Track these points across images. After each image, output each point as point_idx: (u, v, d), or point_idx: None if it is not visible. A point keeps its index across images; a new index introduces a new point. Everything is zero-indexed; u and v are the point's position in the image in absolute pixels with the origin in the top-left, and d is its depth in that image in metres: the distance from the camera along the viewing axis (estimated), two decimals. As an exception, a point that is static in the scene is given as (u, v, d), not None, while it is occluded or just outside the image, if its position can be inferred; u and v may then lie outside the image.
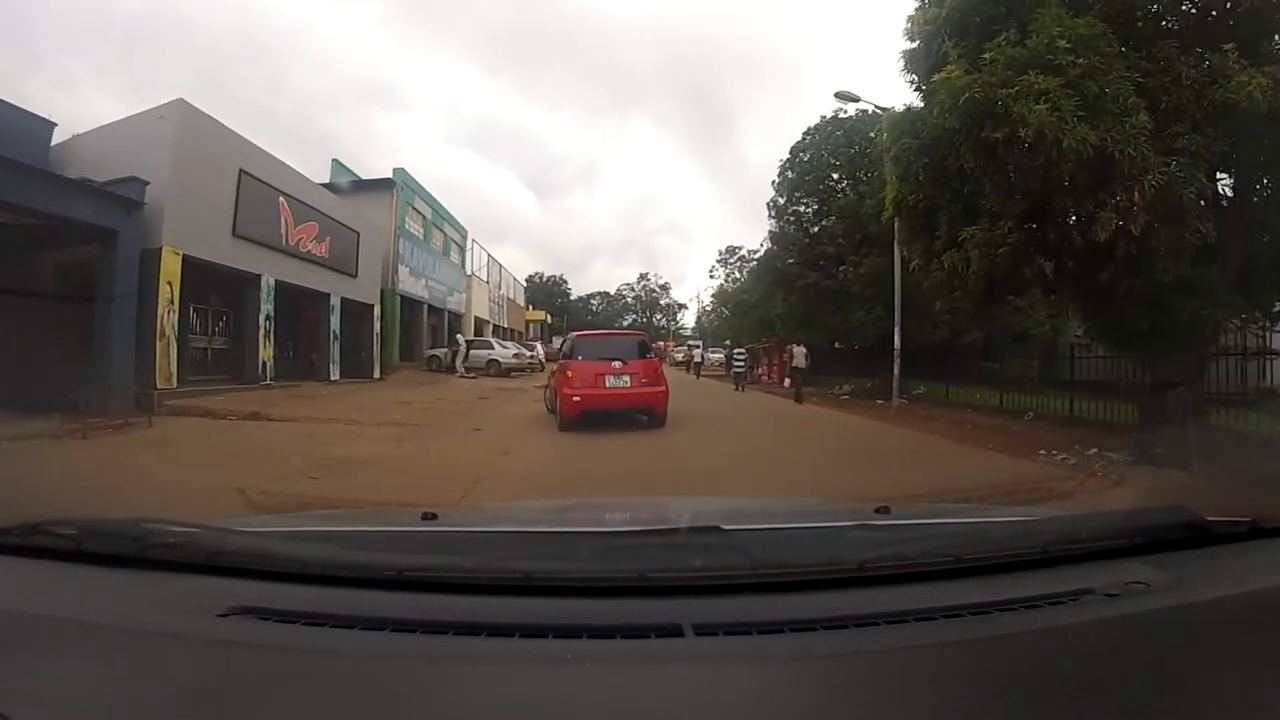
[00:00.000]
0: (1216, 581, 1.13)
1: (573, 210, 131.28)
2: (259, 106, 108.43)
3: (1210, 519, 1.27)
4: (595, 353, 9.47)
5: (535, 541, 1.46)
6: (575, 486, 5.34)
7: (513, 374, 22.17)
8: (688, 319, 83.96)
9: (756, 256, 57.81)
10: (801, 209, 19.77)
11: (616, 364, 9.12)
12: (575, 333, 12.00)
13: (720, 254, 62.52)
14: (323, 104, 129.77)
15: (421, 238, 25.61)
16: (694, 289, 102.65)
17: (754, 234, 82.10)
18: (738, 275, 58.29)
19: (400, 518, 1.85)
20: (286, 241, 14.81)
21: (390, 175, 23.29)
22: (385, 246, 21.17)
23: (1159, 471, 5.44)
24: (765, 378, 25.27)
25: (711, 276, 61.65)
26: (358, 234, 18.23)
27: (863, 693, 0.88)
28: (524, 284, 66.36)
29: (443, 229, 28.69)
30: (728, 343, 47.23)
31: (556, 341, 74.05)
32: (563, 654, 0.91)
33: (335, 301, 17.06)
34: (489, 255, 36.26)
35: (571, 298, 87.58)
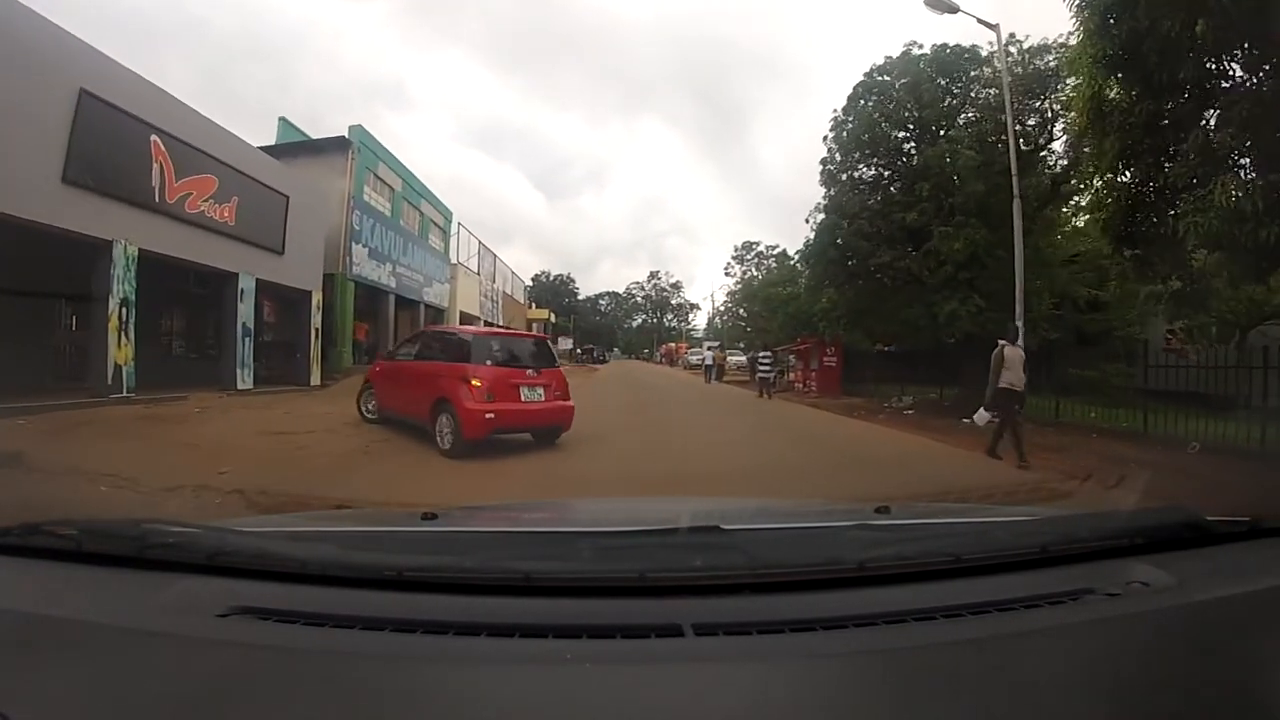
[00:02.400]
0: (1216, 581, 1.16)
1: (581, 211, 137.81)
2: (264, 106, 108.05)
3: (1210, 519, 1.29)
4: (503, 357, 7.78)
5: (535, 541, 1.48)
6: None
7: None
8: (699, 320, 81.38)
9: (776, 252, 54.88)
10: (862, 171, 16.09)
11: (530, 373, 7.76)
12: (455, 327, 10.04)
13: (736, 250, 62.34)
14: (329, 103, 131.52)
15: (388, 214, 23.01)
16: (703, 291, 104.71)
17: (765, 236, 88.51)
18: (755, 272, 56.42)
19: (400, 518, 1.87)
20: (162, 197, 11.57)
21: (345, 134, 20.58)
22: (335, 220, 18.58)
23: None
24: (799, 384, 23.02)
25: (727, 274, 61.76)
26: (286, 198, 15.38)
27: (863, 692, 0.90)
28: (529, 283, 66.71)
29: (418, 207, 26.85)
30: (741, 345, 44.59)
31: (563, 342, 65.13)
32: (563, 654, 0.93)
33: (247, 284, 13.95)
34: (480, 243, 32.32)
35: (579, 297, 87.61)
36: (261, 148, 15.86)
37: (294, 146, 19.05)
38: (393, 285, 21.53)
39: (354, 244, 18.84)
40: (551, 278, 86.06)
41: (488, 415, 7.13)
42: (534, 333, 14.59)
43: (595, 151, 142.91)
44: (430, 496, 5.57)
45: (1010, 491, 4.56)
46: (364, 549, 1.28)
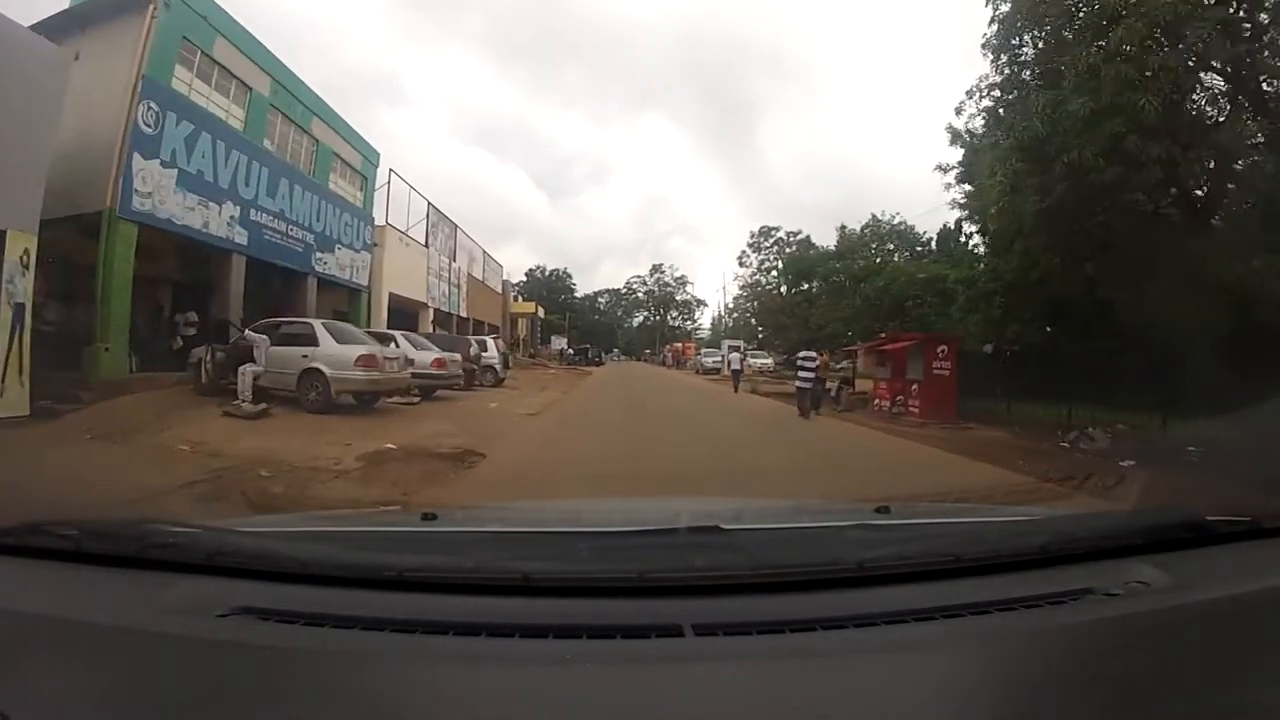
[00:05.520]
0: (1216, 581, 1.27)
1: (584, 210, 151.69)
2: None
3: (1210, 518, 1.41)
4: None
5: (535, 541, 1.60)
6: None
7: (392, 398, 13.19)
8: (704, 319, 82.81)
9: (799, 238, 53.06)
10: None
11: None
12: None
13: (752, 236, 62.49)
14: (328, 98, 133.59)
15: (239, 128, 16.39)
16: (704, 294, 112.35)
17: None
18: (772, 261, 57.68)
19: (400, 518, 2.03)
20: None
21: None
22: (109, 119, 12.24)
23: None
24: (884, 402, 16.08)
25: (742, 264, 62.94)
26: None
27: (862, 692, 0.99)
28: (523, 278, 69.32)
29: (307, 129, 20.08)
30: (743, 344, 41.76)
31: (556, 342, 62.45)
32: (563, 654, 1.03)
33: None
34: (430, 205, 25.72)
35: (577, 294, 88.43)
36: (35, 26, 11.68)
37: (78, 12, 13.33)
38: (240, 240, 15.25)
39: (140, 158, 13.27)
40: (547, 272, 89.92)
41: None
42: None
43: (598, 150, 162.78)
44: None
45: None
46: (364, 549, 1.43)
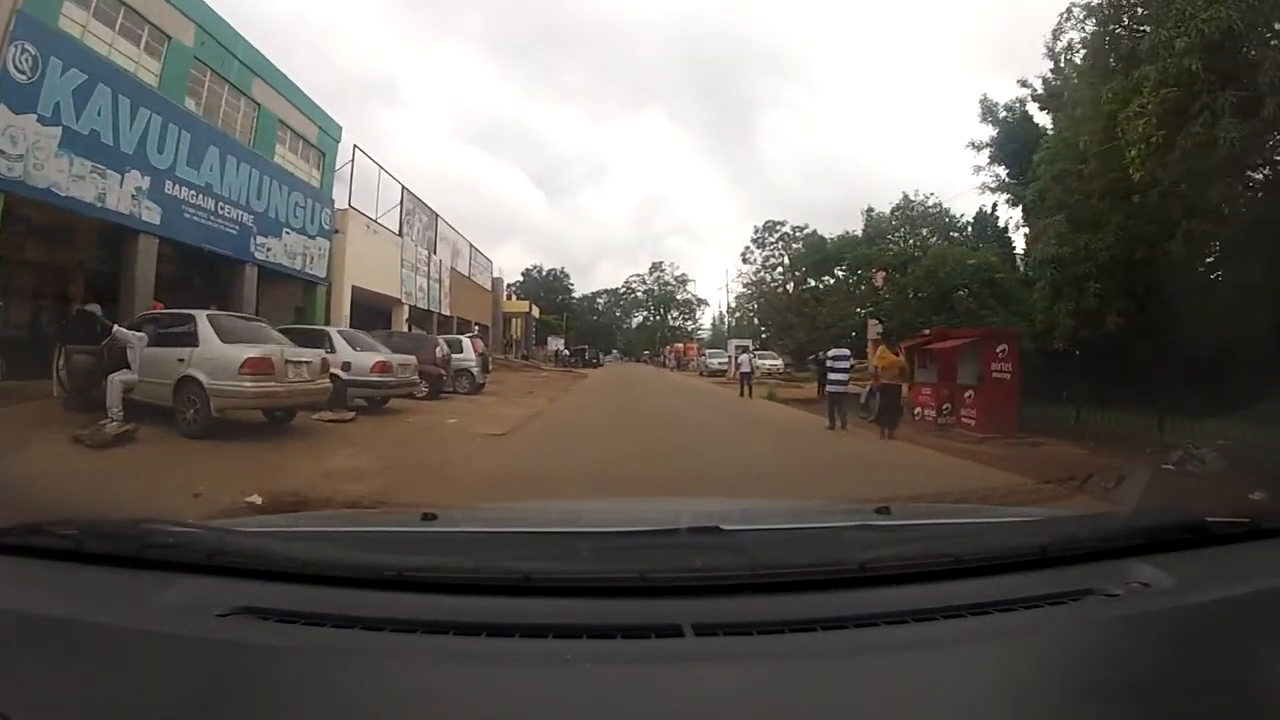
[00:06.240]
0: (1216, 581, 1.32)
1: (582, 210, 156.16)
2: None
3: (1210, 519, 1.48)
4: None
5: (535, 541, 1.67)
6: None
7: (317, 413, 10.74)
8: (704, 319, 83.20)
9: (806, 233, 51.05)
10: None
11: None
12: None
13: (756, 231, 60.29)
14: (322, 101, 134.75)
15: (152, 83, 14.04)
16: (704, 291, 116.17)
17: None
18: (778, 258, 55.91)
19: (400, 518, 2.09)
20: None
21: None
22: None
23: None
24: (929, 411, 14.18)
25: (746, 261, 61.06)
26: None
27: (862, 692, 1.04)
28: (520, 278, 70.90)
29: (245, 90, 17.50)
30: (751, 345, 39.06)
31: (553, 343, 60.26)
32: (563, 654, 1.07)
33: None
34: (404, 189, 22.64)
35: (575, 295, 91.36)
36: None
37: None
38: (151, 219, 14.59)
39: (9, 111, 10.99)
40: (544, 273, 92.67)
41: None
42: None
43: (597, 148, 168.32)
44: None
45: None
46: (364, 549, 1.48)
